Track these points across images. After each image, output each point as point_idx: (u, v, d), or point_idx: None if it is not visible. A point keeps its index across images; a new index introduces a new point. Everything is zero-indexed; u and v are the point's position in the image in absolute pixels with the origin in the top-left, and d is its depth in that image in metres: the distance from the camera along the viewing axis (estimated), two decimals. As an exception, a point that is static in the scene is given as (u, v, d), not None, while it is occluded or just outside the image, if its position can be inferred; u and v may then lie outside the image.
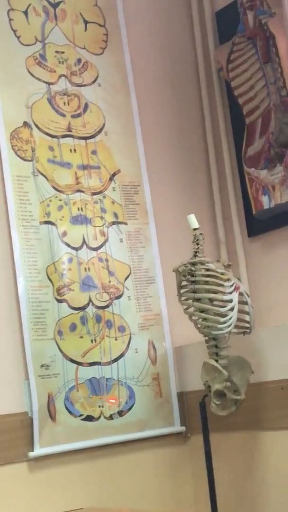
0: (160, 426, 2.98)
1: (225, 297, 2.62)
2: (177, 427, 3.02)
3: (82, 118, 3.05)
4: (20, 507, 2.64)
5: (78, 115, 3.04)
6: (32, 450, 2.72)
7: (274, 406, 2.69)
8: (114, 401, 2.89)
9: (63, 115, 3.01)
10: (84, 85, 3.09)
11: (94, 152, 3.04)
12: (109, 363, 2.92)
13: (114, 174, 3.07)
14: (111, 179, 3.06)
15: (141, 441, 2.93)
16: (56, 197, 2.92)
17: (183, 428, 3.03)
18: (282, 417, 2.66)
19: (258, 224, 3.03)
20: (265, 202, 2.96)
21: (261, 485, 2.74)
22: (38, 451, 2.73)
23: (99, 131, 3.08)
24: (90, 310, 2.91)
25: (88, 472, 2.81)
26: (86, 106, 3.07)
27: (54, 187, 2.93)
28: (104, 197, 3.03)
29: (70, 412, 2.81)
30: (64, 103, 3.03)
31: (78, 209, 2.96)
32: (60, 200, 2.93)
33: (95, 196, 3.01)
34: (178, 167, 3.24)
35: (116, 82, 3.16)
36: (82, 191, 2.98)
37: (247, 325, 2.69)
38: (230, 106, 3.18)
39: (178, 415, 3.02)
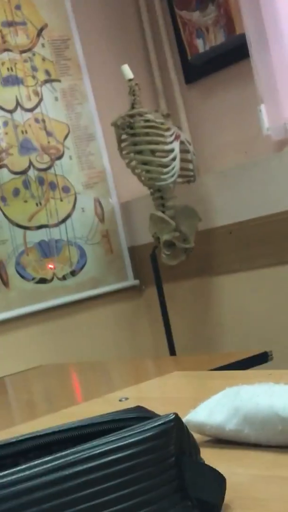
0: (114, 282, 3.01)
1: (167, 147, 2.59)
2: (131, 281, 3.05)
3: (2, -29, 2.88)
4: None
5: None
6: (-12, 317, 2.74)
7: (224, 251, 2.72)
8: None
9: None
10: None
11: (17, 7, 2.89)
12: (56, 224, 2.90)
13: (41, 29, 2.94)
14: (39, 34, 2.93)
15: (96, 298, 2.96)
16: (-17, 58, 2.80)
17: (136, 282, 3.06)
18: (232, 261, 2.69)
19: (195, 69, 2.96)
20: (200, 45, 2.88)
21: (215, 326, 2.82)
22: (-5, 317, 2.74)
23: (21, -16, 2.92)
24: (32, 173, 2.86)
25: (45, 333, 2.84)
26: None
27: (-20, 48, 2.80)
28: (34, 54, 2.91)
29: (22, 276, 2.81)
30: None
31: (8, 69, 2.85)
32: (-12, 61, 2.81)
33: (24, 54, 2.89)
34: (108, 17, 3.12)
35: None
36: (10, 50, 2.86)
37: (191, 173, 2.67)
38: None
39: (130, 270, 3.05)
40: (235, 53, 2.75)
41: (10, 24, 2.86)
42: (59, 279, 2.88)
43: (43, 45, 2.93)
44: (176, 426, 0.64)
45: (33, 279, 2.83)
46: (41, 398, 1.99)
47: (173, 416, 0.64)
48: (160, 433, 0.63)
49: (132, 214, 3.05)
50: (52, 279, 2.87)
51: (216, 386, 1.03)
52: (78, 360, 2.78)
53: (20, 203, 2.83)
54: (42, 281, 2.85)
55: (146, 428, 0.63)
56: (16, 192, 2.82)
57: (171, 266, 2.72)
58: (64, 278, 2.89)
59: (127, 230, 3.06)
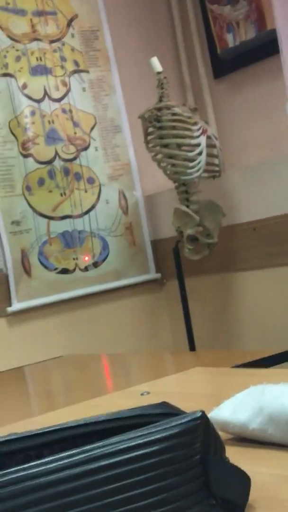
0: (136, 274, 3.01)
1: (193, 141, 2.58)
2: (153, 274, 3.05)
3: None
4: (2, 360, 2.69)
5: None
6: (10, 306, 2.75)
7: (247, 247, 2.71)
8: (88, 258, 2.89)
9: None
10: None
11: (48, -3, 2.89)
12: (80, 215, 2.90)
13: (71, 20, 2.93)
14: (69, 25, 2.92)
15: (118, 290, 2.97)
16: (13, 47, 2.80)
17: (158, 275, 3.06)
18: (255, 257, 2.68)
19: (224, 64, 2.94)
20: (230, 40, 2.86)
21: (235, 323, 2.81)
22: (16, 306, 2.75)
23: (53, -26, 2.92)
24: (57, 163, 2.86)
25: (66, 323, 2.85)
26: None
27: (9, 37, 2.80)
28: (63, 44, 2.91)
29: (45, 266, 2.82)
30: None
31: (37, 59, 2.85)
32: (17, 50, 2.81)
33: (53, 44, 2.89)
34: (138, 9, 3.11)
35: None
36: (40, 40, 2.86)
37: (217, 168, 2.66)
38: None
39: (152, 263, 3.05)
40: (265, 48, 2.73)
41: (40, 13, 2.86)
42: (81, 270, 2.88)
43: (72, 36, 2.93)
44: (202, 423, 0.64)
45: (55, 269, 2.84)
46: (61, 389, 2.00)
47: (200, 414, 0.64)
48: (187, 430, 0.63)
49: (156, 208, 3.05)
50: (74, 270, 2.87)
51: (238, 384, 1.03)
52: (98, 351, 2.79)
53: (45, 193, 2.83)
54: (64, 271, 2.85)
55: (172, 424, 0.63)
56: (41, 182, 2.83)
57: (193, 261, 2.72)
58: (86, 269, 2.90)
59: (150, 223, 3.06)
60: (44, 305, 2.81)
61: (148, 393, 1.20)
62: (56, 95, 2.87)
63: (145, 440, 0.62)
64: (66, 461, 0.61)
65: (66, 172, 2.87)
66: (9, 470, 0.60)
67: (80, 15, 2.95)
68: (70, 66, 2.91)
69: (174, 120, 2.58)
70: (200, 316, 2.87)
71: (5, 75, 2.78)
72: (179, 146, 2.59)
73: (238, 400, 0.87)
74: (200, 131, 2.58)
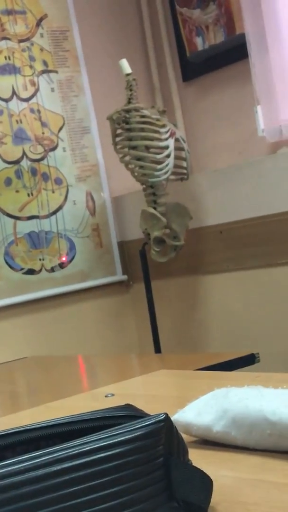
0: (102, 276, 3.00)
1: (161, 144, 2.58)
2: (119, 276, 3.05)
3: None
4: None
5: None
6: (-25, 306, 2.73)
7: (213, 250, 2.72)
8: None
9: None
10: None
11: (18, -4, 2.88)
12: (47, 216, 2.89)
13: (41, 19, 2.92)
14: (38, 24, 2.91)
15: (84, 291, 2.96)
16: (-19, 46, 2.79)
17: (125, 277, 3.06)
18: (221, 260, 2.69)
19: (193, 67, 2.95)
20: (199, 43, 2.87)
21: (201, 325, 2.82)
22: (-19, 306, 2.73)
23: (23, -27, 2.90)
24: (25, 163, 2.84)
25: (31, 324, 2.84)
26: None
27: (-22, 35, 2.78)
28: (32, 44, 2.90)
29: (10, 266, 2.80)
30: None
31: (5, 58, 2.83)
32: (-14, 49, 2.79)
33: (22, 44, 2.87)
34: (108, 10, 3.10)
35: None
36: (9, 39, 2.84)
37: (185, 171, 2.67)
38: None
39: (119, 265, 3.04)
40: (234, 52, 2.75)
41: (9, 12, 2.85)
42: (47, 270, 2.87)
43: (41, 35, 2.92)
44: (165, 426, 0.64)
45: (22, 269, 2.82)
46: (25, 390, 1.98)
47: (163, 416, 0.64)
48: (150, 432, 0.63)
49: (124, 209, 3.04)
50: (40, 271, 2.86)
51: (203, 386, 1.03)
52: (63, 352, 2.78)
53: (12, 193, 2.82)
54: (30, 272, 2.84)
55: (136, 427, 0.63)
56: (8, 182, 2.81)
57: (160, 263, 2.72)
58: (52, 270, 2.89)
59: (117, 225, 3.06)
60: (9, 305, 2.79)
61: (113, 395, 1.20)
62: (24, 94, 2.86)
63: (108, 442, 0.62)
64: (28, 463, 0.60)
65: (34, 172, 2.86)
66: None
67: (49, 15, 2.94)
68: (39, 66, 2.90)
69: (142, 122, 2.58)
70: (166, 319, 2.87)
71: (-27, 73, 2.76)
72: (147, 148, 2.59)
73: (202, 403, 0.87)
74: (169, 133, 2.59)
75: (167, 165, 2.58)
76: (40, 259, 2.86)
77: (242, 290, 2.65)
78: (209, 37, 2.83)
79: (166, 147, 2.58)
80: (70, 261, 2.93)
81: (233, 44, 2.74)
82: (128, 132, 2.60)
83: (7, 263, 2.79)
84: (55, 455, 0.61)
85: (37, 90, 2.89)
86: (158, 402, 1.14)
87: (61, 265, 2.90)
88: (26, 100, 2.86)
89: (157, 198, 2.65)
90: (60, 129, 2.94)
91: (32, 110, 2.87)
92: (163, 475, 0.64)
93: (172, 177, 2.64)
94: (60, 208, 2.92)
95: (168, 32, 3.05)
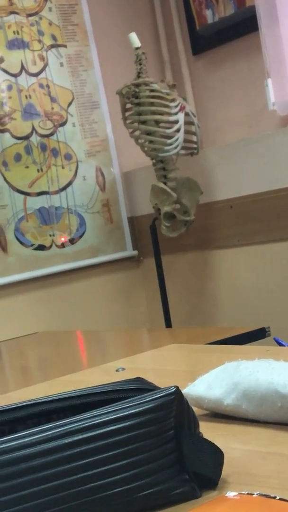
0: (112, 252, 3.00)
1: (171, 118, 2.57)
2: (129, 252, 3.05)
3: None
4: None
5: None
6: (-14, 282, 2.74)
7: (224, 225, 2.71)
8: (64, 239, 2.88)
9: None
10: None
11: None
12: (57, 192, 2.89)
13: (49, -7, 2.90)
14: (46, -2, 2.89)
15: (94, 267, 2.96)
16: (-10, 20, 2.77)
17: (135, 252, 3.05)
18: (232, 235, 2.69)
19: (203, 40, 2.93)
20: (209, 16, 2.84)
21: (212, 300, 2.82)
22: (-8, 282, 2.74)
23: None
24: (34, 139, 2.84)
25: (42, 300, 2.84)
26: None
27: (-14, 10, 2.76)
28: (41, 18, 2.88)
29: (21, 242, 2.81)
30: None
31: (14, 32, 2.82)
32: (-6, 23, 2.78)
33: (30, 18, 2.85)
34: (117, -17, 3.08)
35: None
36: (17, 13, 2.82)
37: (195, 145, 2.65)
38: None
39: (129, 240, 3.04)
40: (244, 25, 2.72)
41: (17, -14, 2.83)
42: (57, 246, 2.87)
43: (50, 9, 2.90)
44: (176, 399, 0.64)
45: (32, 245, 2.83)
46: (36, 365, 1.99)
47: (174, 389, 0.64)
48: (161, 405, 0.63)
49: (134, 185, 3.04)
50: (50, 246, 2.86)
51: (213, 360, 1.03)
52: (73, 328, 2.79)
53: (22, 169, 2.81)
54: (41, 247, 2.84)
55: (147, 399, 0.63)
56: (18, 158, 2.80)
57: (170, 238, 2.71)
58: (62, 246, 2.89)
59: (127, 200, 3.05)
60: (20, 281, 2.80)
61: (124, 369, 1.20)
62: (33, 69, 2.85)
63: (119, 415, 0.62)
64: (39, 435, 0.61)
65: (43, 147, 2.85)
66: (-18, 445, 0.60)
67: (58, -12, 2.91)
68: (47, 40, 2.89)
69: (152, 97, 2.57)
70: (176, 293, 2.88)
71: (-18, 48, 2.74)
72: (157, 122, 2.58)
73: (213, 376, 0.87)
74: (178, 107, 2.57)
75: (177, 139, 2.57)
76: (50, 235, 2.86)
77: (252, 264, 2.65)
78: (219, 10, 2.80)
79: (176, 122, 2.57)
80: (80, 236, 2.92)
81: (243, 16, 2.71)
82: (137, 106, 2.58)
83: (17, 239, 2.79)
84: (66, 427, 0.61)
85: (46, 65, 2.87)
86: (169, 376, 1.14)
87: (72, 241, 2.90)
88: (35, 75, 2.85)
89: (167, 173, 2.64)
90: (70, 104, 2.92)
91: (41, 85, 2.86)
92: (174, 448, 0.64)
93: (182, 151, 2.63)
94: (70, 183, 2.91)
95: (178, 5, 3.02)
